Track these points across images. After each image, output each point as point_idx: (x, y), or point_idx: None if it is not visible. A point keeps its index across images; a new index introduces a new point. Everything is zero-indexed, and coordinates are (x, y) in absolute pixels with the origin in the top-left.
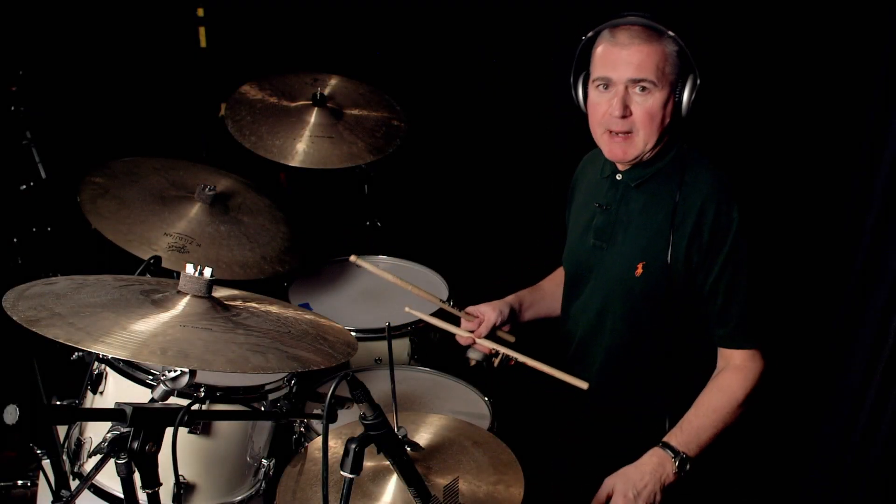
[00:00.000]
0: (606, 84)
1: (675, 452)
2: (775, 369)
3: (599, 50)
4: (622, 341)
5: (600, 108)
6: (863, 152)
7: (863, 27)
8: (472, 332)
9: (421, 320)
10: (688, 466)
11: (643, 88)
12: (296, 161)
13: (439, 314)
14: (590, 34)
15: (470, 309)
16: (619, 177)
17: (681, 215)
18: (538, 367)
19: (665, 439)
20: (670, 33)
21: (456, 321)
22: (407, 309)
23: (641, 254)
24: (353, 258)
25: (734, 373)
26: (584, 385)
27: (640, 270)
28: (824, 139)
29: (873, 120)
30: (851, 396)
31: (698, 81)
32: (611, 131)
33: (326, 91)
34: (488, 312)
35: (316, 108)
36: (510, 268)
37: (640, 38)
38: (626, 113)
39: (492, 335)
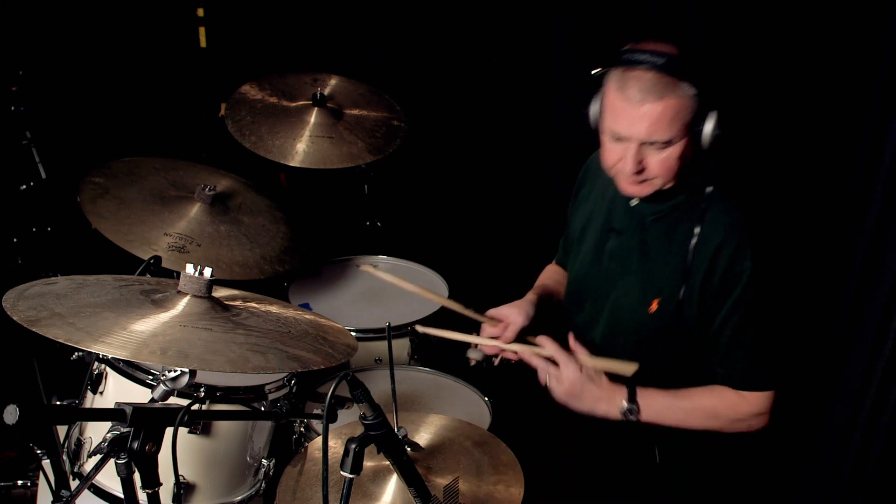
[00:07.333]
0: (618, 137)
1: (632, 399)
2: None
3: (610, 97)
4: None
5: (613, 154)
6: (863, 152)
7: (863, 27)
8: (496, 337)
9: (424, 321)
10: (631, 417)
11: (656, 143)
12: (296, 161)
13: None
14: (598, 70)
15: (492, 312)
16: (633, 203)
17: (698, 258)
18: (585, 362)
19: (637, 386)
20: (685, 83)
21: (475, 326)
22: (420, 329)
23: (657, 291)
24: (365, 268)
25: (734, 392)
26: (629, 371)
27: (654, 307)
28: (824, 139)
29: (873, 120)
30: (851, 396)
31: (718, 116)
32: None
33: (326, 91)
34: (513, 315)
35: (316, 108)
36: (510, 268)
37: (653, 94)
38: (639, 168)
39: (520, 340)
